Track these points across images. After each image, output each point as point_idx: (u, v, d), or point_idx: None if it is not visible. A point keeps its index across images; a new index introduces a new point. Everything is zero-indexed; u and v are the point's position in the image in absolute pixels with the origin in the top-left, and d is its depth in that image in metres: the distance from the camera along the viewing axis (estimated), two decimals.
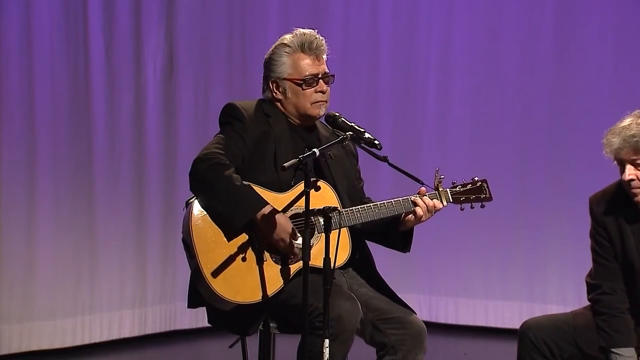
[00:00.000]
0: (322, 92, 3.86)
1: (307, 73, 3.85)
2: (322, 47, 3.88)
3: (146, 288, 6.76)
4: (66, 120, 6.38)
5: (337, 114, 3.86)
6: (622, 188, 3.98)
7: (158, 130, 6.83)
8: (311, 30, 3.90)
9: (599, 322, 3.97)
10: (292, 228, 3.67)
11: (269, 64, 3.89)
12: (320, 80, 3.87)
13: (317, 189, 3.76)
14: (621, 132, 3.90)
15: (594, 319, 4.00)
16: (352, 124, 3.80)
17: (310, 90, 3.86)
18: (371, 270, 3.95)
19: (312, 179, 3.58)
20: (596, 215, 4.03)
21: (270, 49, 3.90)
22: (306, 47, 3.85)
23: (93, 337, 6.49)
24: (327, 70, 3.89)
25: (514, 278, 7.09)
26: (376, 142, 3.74)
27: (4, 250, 6.10)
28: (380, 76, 7.39)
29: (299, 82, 3.85)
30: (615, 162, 3.94)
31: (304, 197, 3.54)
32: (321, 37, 3.89)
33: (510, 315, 7.08)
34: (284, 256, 3.72)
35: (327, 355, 3.49)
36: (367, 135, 3.76)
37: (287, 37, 3.88)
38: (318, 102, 3.87)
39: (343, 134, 3.77)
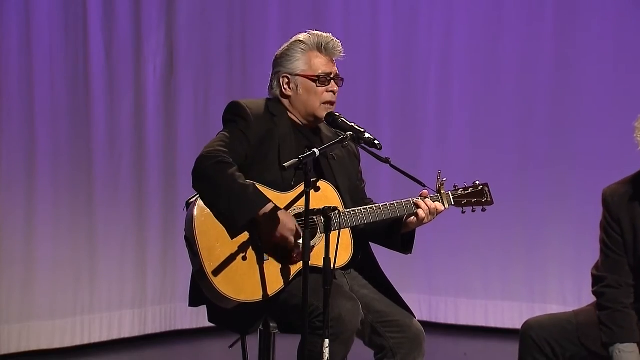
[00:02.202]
0: (333, 92, 3.87)
1: (321, 71, 3.86)
2: (338, 50, 3.90)
3: (146, 288, 6.75)
4: (66, 120, 6.38)
5: (337, 114, 3.86)
6: (638, 182, 3.97)
7: (158, 130, 6.82)
8: (328, 33, 3.92)
9: (602, 317, 3.97)
10: (296, 226, 3.67)
11: (282, 60, 3.89)
12: (332, 81, 3.88)
13: (317, 189, 3.76)
14: None
15: (597, 314, 3.99)
16: (352, 124, 3.79)
17: (322, 89, 3.86)
18: (375, 270, 3.95)
19: (312, 179, 3.58)
20: (610, 207, 4.01)
21: (284, 46, 3.91)
22: (323, 47, 3.87)
23: (93, 337, 6.49)
24: (338, 73, 3.91)
25: (514, 278, 7.09)
26: (376, 142, 3.73)
27: (4, 250, 6.10)
28: (380, 76, 7.39)
29: (313, 78, 3.85)
30: None
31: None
32: (338, 40, 3.91)
33: (510, 315, 7.08)
34: (285, 255, 3.72)
35: (327, 356, 3.49)
36: (367, 135, 3.75)
37: (303, 35, 3.90)
38: (327, 102, 3.87)
39: (343, 134, 3.77)
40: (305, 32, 3.92)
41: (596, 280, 4.04)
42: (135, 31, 6.71)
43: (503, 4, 7.16)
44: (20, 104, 6.18)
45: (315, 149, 3.58)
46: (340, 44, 3.91)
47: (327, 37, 3.90)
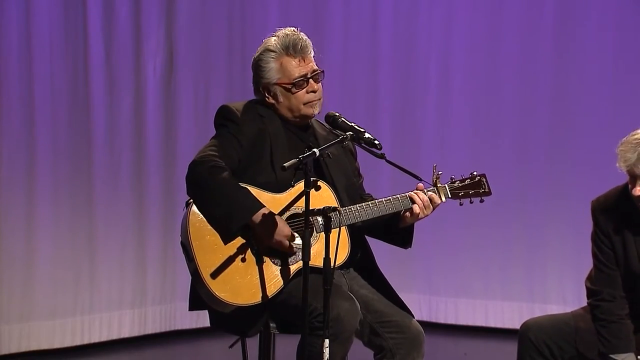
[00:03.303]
0: (314, 91, 3.85)
1: (296, 75, 3.83)
2: (307, 47, 3.85)
3: (146, 288, 6.76)
4: (66, 121, 6.38)
5: (337, 114, 3.85)
6: (625, 194, 3.95)
7: (158, 130, 6.83)
8: (293, 28, 3.87)
9: (598, 328, 3.97)
10: (290, 231, 3.66)
11: (257, 70, 3.86)
12: (310, 80, 3.85)
13: (317, 188, 3.75)
14: (637, 147, 3.84)
15: (594, 324, 3.99)
16: (352, 124, 3.79)
17: (301, 92, 3.84)
18: (373, 270, 3.94)
19: (312, 179, 3.58)
20: (599, 221, 4.01)
21: (257, 54, 3.87)
22: (291, 50, 3.82)
23: (93, 337, 6.49)
24: (315, 68, 3.86)
25: (514, 278, 7.09)
26: (376, 142, 3.73)
27: (4, 250, 6.10)
28: (380, 76, 7.38)
29: (288, 86, 3.83)
30: (627, 174, 3.90)
31: (302, 197, 3.54)
32: (304, 36, 3.85)
33: (510, 315, 7.08)
34: (283, 256, 3.72)
35: (327, 356, 3.49)
36: (367, 135, 3.75)
37: (271, 42, 3.84)
38: (311, 101, 3.86)
39: (343, 133, 3.76)
40: (274, 34, 3.86)
41: (591, 293, 4.04)
42: (135, 31, 6.71)
43: (503, 3, 7.16)
44: (20, 104, 6.18)
45: (315, 149, 3.57)
46: (308, 41, 3.85)
47: (293, 36, 3.83)
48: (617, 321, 3.95)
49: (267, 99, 3.87)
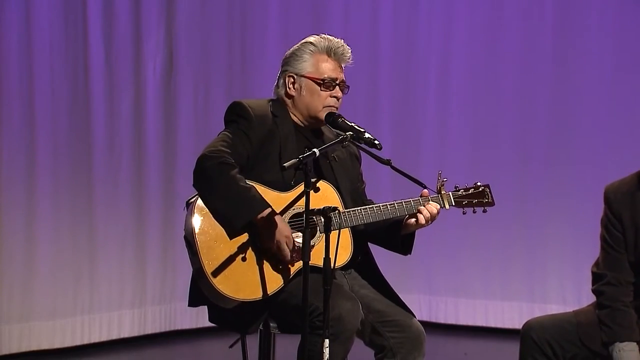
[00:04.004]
0: (337, 98, 3.88)
1: (327, 75, 3.86)
2: (347, 56, 3.90)
3: (146, 288, 6.76)
4: (66, 121, 6.38)
5: (337, 114, 3.86)
6: None
7: (158, 130, 6.83)
8: (341, 39, 3.93)
9: (602, 316, 3.97)
10: (290, 233, 3.66)
11: (290, 59, 3.90)
12: (337, 87, 3.88)
13: (317, 189, 3.76)
14: None
15: (597, 313, 3.99)
16: (352, 124, 3.79)
17: (325, 93, 3.87)
18: (373, 271, 3.95)
19: (312, 179, 3.58)
20: (611, 204, 4.02)
21: (294, 46, 3.92)
22: (332, 52, 3.87)
23: (93, 337, 6.49)
24: (344, 80, 3.91)
25: (514, 278, 7.09)
26: (376, 142, 3.73)
27: (4, 250, 6.10)
28: (380, 76, 7.38)
29: (318, 81, 3.86)
30: None
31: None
32: (349, 49, 3.91)
33: (510, 315, 7.08)
34: (282, 258, 3.72)
35: (327, 355, 3.49)
36: (367, 135, 3.76)
37: (314, 37, 3.91)
38: (330, 106, 3.87)
39: (343, 134, 3.77)
40: (318, 35, 3.93)
41: (596, 277, 4.04)
42: (135, 31, 6.71)
43: (502, 3, 7.16)
44: (20, 104, 6.18)
45: (315, 149, 3.58)
46: (350, 51, 3.91)
47: (338, 42, 3.90)
48: (621, 308, 3.94)
49: (288, 89, 3.88)
